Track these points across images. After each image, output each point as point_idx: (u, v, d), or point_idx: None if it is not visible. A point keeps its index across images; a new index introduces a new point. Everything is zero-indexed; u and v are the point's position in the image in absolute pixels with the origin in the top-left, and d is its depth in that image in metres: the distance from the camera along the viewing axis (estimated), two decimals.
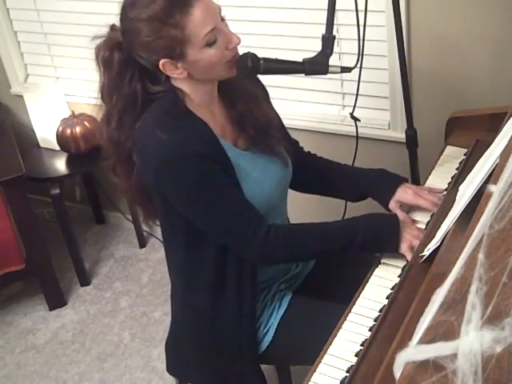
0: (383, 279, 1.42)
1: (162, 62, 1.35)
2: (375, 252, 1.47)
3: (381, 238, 1.44)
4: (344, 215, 1.93)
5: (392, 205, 1.58)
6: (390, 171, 1.65)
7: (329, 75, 1.57)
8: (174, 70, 1.37)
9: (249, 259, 1.48)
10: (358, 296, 1.39)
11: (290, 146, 1.61)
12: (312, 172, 1.70)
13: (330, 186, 1.70)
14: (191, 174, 1.37)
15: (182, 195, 1.41)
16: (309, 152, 1.76)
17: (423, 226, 1.53)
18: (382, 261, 1.47)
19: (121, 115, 1.42)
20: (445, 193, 1.60)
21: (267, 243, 1.41)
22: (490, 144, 1.39)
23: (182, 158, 1.36)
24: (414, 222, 1.55)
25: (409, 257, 1.41)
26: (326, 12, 1.58)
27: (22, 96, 2.85)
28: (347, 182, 1.67)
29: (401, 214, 1.54)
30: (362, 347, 1.25)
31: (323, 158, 1.74)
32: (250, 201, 1.44)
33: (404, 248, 1.42)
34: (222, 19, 1.39)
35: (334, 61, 1.56)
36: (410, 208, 1.59)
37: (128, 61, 1.39)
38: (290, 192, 1.68)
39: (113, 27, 1.41)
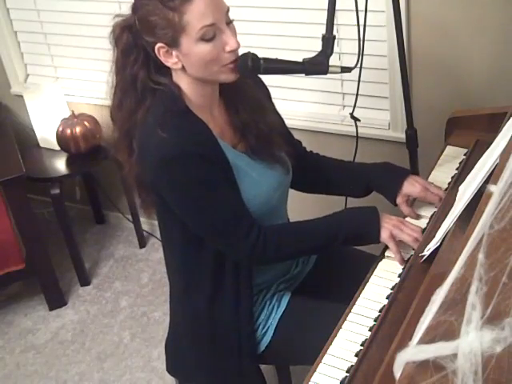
0: (383, 279, 1.42)
1: (157, 45, 1.35)
2: (358, 244, 1.50)
3: (362, 230, 1.47)
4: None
5: (399, 200, 1.59)
6: (393, 164, 1.65)
7: (329, 75, 1.56)
8: (168, 58, 1.37)
9: (240, 261, 1.49)
10: (358, 296, 1.39)
11: (292, 150, 1.61)
12: (316, 171, 1.70)
13: (335, 184, 1.70)
14: (188, 174, 1.38)
15: (177, 195, 1.42)
16: (311, 151, 1.76)
17: (427, 220, 1.54)
18: (382, 260, 1.47)
19: (121, 95, 1.43)
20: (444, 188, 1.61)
21: (257, 246, 1.43)
22: (490, 144, 1.39)
23: (181, 158, 1.36)
24: (419, 216, 1.56)
25: (390, 245, 1.44)
26: (326, 12, 1.58)
27: (22, 96, 2.85)
28: (352, 179, 1.67)
29: (406, 209, 1.56)
30: (362, 347, 1.25)
31: (325, 156, 1.74)
32: (249, 201, 1.44)
33: (384, 237, 1.44)
34: (230, 22, 1.38)
35: (334, 61, 1.56)
36: (414, 201, 1.61)
37: (134, 44, 1.40)
38: (290, 191, 1.68)
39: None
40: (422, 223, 1.54)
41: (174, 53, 1.36)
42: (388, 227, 1.44)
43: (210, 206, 1.41)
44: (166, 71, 1.43)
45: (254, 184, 1.47)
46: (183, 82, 1.43)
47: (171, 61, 1.38)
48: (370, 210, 1.49)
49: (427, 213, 1.57)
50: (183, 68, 1.39)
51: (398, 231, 1.44)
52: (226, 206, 1.42)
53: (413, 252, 1.45)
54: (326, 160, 1.73)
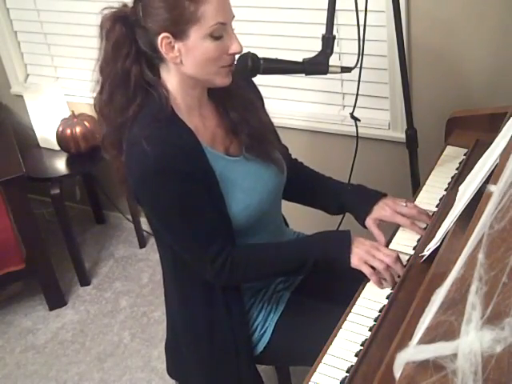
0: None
1: (162, 35, 1.33)
2: (329, 267, 1.47)
3: (331, 255, 1.45)
4: (342, 219, 1.92)
5: (368, 223, 1.58)
6: (366, 187, 1.64)
7: (329, 75, 1.57)
8: (169, 51, 1.35)
9: (208, 279, 1.49)
10: (358, 296, 1.39)
11: (285, 151, 1.60)
12: (298, 180, 1.68)
13: (313, 197, 1.70)
14: (165, 191, 1.37)
15: (154, 209, 1.42)
16: (296, 159, 1.75)
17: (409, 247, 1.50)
18: None
19: (112, 90, 1.40)
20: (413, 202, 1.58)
21: (223, 272, 1.43)
22: (490, 144, 1.39)
23: (160, 174, 1.35)
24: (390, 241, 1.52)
25: (363, 269, 1.41)
26: (326, 12, 1.58)
27: (22, 96, 2.85)
28: (328, 195, 1.67)
29: (377, 233, 1.54)
30: (361, 347, 1.25)
31: (308, 167, 1.74)
32: (238, 214, 1.44)
33: (355, 263, 1.42)
34: (232, 29, 1.38)
35: (334, 61, 1.56)
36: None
37: (128, 36, 1.37)
38: None
39: (124, 5, 1.40)
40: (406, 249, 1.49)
41: (176, 46, 1.34)
42: (358, 253, 1.42)
43: (181, 228, 1.41)
44: (156, 71, 1.41)
45: (245, 193, 1.45)
46: (174, 80, 1.40)
47: (171, 54, 1.35)
48: (343, 234, 1.47)
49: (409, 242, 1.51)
50: (180, 64, 1.36)
51: (370, 257, 1.40)
52: (198, 230, 1.41)
53: (413, 252, 1.45)
54: (308, 171, 1.73)
